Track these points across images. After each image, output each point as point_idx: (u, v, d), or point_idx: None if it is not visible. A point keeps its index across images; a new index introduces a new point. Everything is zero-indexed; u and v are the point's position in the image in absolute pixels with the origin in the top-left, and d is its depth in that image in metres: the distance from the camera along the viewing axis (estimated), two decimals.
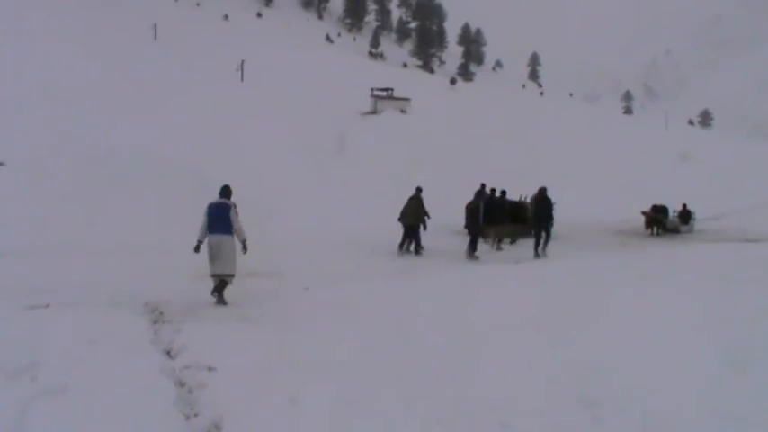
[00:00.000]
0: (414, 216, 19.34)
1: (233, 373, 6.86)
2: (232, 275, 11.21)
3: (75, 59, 35.46)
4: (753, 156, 55.71)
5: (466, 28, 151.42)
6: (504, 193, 21.98)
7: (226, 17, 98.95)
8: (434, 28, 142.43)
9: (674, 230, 29.09)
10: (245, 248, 11.15)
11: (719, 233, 28.05)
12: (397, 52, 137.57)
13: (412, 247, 19.40)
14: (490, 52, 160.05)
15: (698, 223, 30.77)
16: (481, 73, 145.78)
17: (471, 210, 19.25)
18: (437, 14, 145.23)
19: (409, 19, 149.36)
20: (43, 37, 36.63)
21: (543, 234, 18.91)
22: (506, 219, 21.54)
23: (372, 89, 51.69)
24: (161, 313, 10.05)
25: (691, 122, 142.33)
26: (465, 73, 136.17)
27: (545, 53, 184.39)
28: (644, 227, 28.76)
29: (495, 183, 22.56)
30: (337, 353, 7.59)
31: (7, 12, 39.65)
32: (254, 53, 54.93)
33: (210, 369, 6.98)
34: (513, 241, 22.95)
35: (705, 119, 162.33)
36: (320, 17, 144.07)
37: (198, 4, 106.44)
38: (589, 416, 5.72)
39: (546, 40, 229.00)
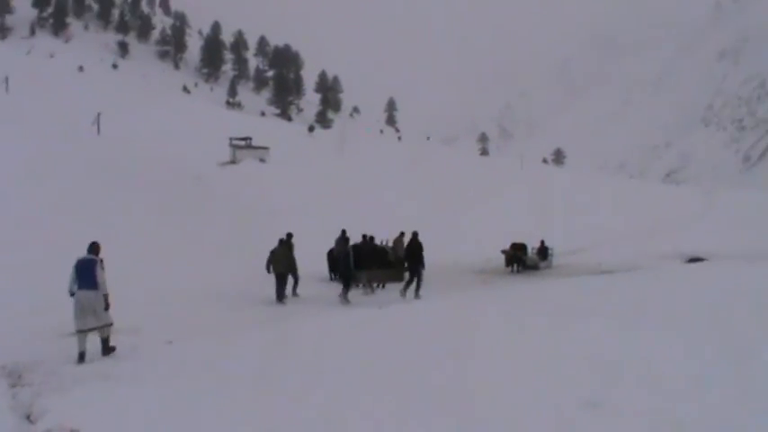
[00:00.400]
0: (286, 263, 19.46)
1: None
2: (110, 324, 11.42)
3: None
4: (604, 190, 59.21)
5: (323, 75, 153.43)
6: (372, 238, 22.59)
7: (81, 69, 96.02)
8: (291, 76, 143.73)
9: (534, 267, 29.96)
10: (106, 304, 11.30)
11: (577, 267, 29.24)
12: (255, 101, 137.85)
13: (289, 290, 19.57)
14: (347, 99, 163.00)
15: (556, 258, 31.85)
16: (339, 120, 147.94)
17: (342, 255, 19.63)
18: (294, 63, 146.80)
19: (266, 67, 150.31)
20: None
21: (415, 278, 19.53)
22: (376, 263, 22.16)
23: (231, 138, 51.64)
24: (19, 376, 9.87)
25: (545, 161, 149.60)
26: (323, 120, 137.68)
27: (402, 98, 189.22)
28: (504, 264, 29.72)
29: (356, 227, 23.12)
30: (198, 413, 7.70)
31: None
32: (111, 105, 53.66)
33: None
34: (383, 285, 23.16)
35: (558, 157, 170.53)
36: (177, 67, 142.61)
37: (52, 56, 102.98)
38: None
39: (403, 85, 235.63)
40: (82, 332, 11.15)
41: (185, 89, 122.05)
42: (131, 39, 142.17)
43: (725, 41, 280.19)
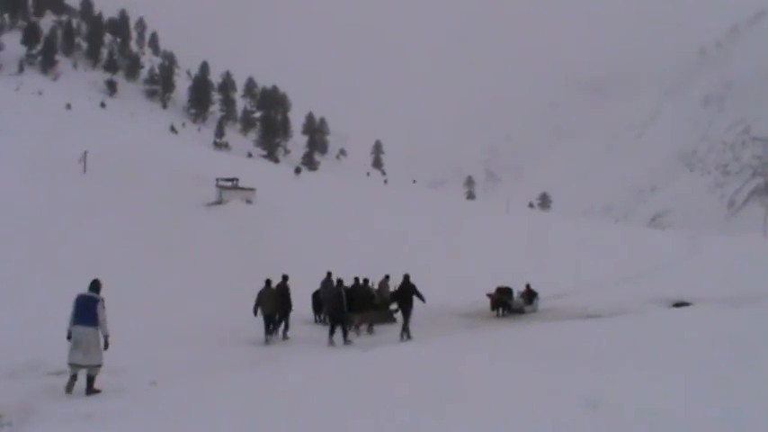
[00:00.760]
0: (272, 304, 19.40)
1: None
2: (99, 366, 11.42)
3: None
4: (590, 234, 59.62)
5: (310, 117, 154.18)
6: (366, 280, 22.62)
7: (68, 106, 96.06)
8: (279, 117, 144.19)
9: (519, 310, 29.42)
10: (106, 344, 11.41)
11: (563, 311, 28.94)
12: (242, 142, 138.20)
13: (281, 331, 19.55)
14: (334, 141, 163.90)
15: (541, 302, 31.32)
16: (326, 161, 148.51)
17: (334, 297, 19.62)
18: (282, 104, 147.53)
19: (254, 109, 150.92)
20: None
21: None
22: (369, 305, 22.19)
23: (217, 179, 51.65)
24: (0, 416, 9.74)
25: (531, 205, 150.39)
26: (310, 162, 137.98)
27: (389, 141, 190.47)
28: (490, 308, 29.26)
29: (343, 270, 23.09)
30: None
31: None
32: (98, 143, 53.64)
33: None
34: (370, 328, 22.86)
35: (544, 201, 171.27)
36: (165, 107, 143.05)
37: (40, 93, 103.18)
38: None
39: (389, 128, 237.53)
40: (77, 366, 11.28)
41: (173, 129, 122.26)
42: (120, 77, 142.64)
43: (710, 87, 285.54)
